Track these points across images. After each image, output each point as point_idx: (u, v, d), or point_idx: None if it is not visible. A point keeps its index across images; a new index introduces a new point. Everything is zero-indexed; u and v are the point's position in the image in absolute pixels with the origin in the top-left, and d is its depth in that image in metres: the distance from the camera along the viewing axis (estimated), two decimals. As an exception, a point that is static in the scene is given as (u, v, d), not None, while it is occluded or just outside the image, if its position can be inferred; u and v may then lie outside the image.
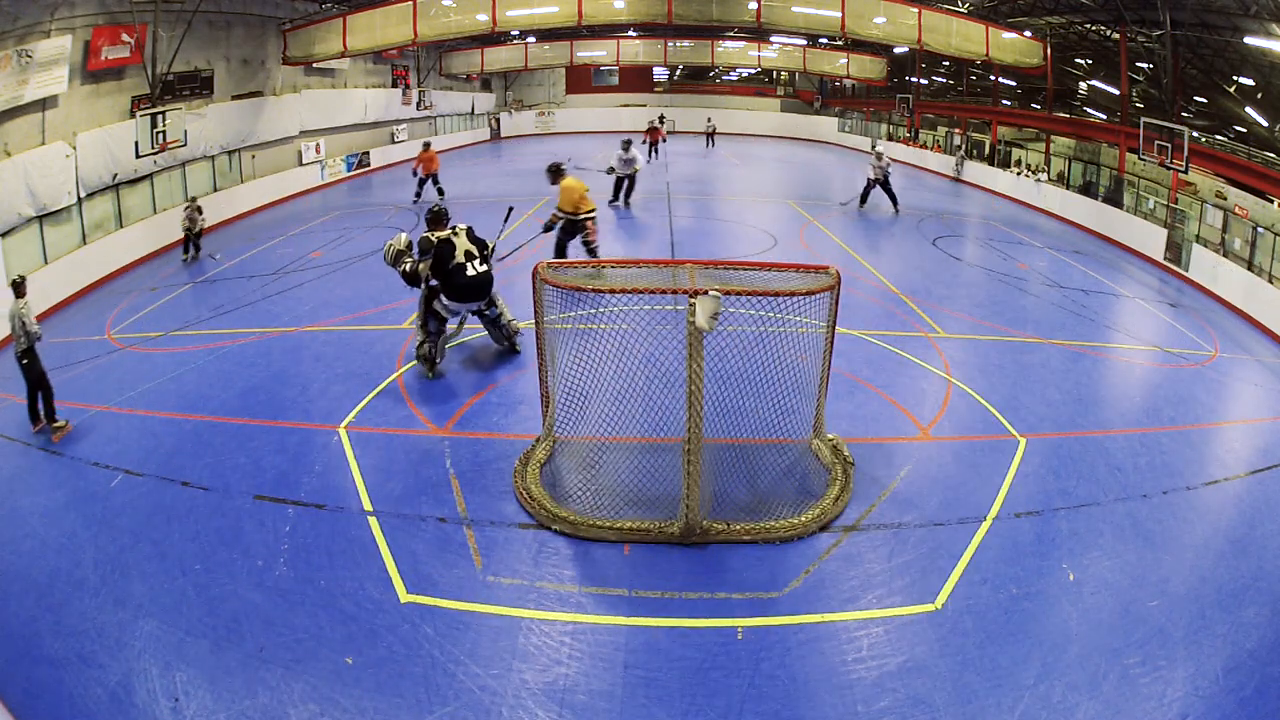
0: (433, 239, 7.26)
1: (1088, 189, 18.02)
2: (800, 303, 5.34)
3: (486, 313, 7.52)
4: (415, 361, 7.45)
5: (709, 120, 29.90)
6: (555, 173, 9.95)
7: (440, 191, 16.57)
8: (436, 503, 5.32)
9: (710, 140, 29.05)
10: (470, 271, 7.01)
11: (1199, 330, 10.07)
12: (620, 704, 3.73)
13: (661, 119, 26.49)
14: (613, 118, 33.79)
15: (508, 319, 7.70)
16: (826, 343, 5.65)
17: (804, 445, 5.86)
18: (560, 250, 9.92)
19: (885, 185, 16.47)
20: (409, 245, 7.53)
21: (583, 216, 9.79)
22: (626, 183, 15.87)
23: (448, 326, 7.52)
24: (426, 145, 17.41)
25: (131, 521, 5.18)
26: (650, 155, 22.64)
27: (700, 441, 4.74)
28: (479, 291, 7.17)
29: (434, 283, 7.12)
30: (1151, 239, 14.32)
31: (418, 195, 16.56)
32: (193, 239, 12.68)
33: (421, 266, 7.26)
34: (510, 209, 8.58)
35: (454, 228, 7.30)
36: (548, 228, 9.88)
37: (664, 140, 24.03)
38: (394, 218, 15.13)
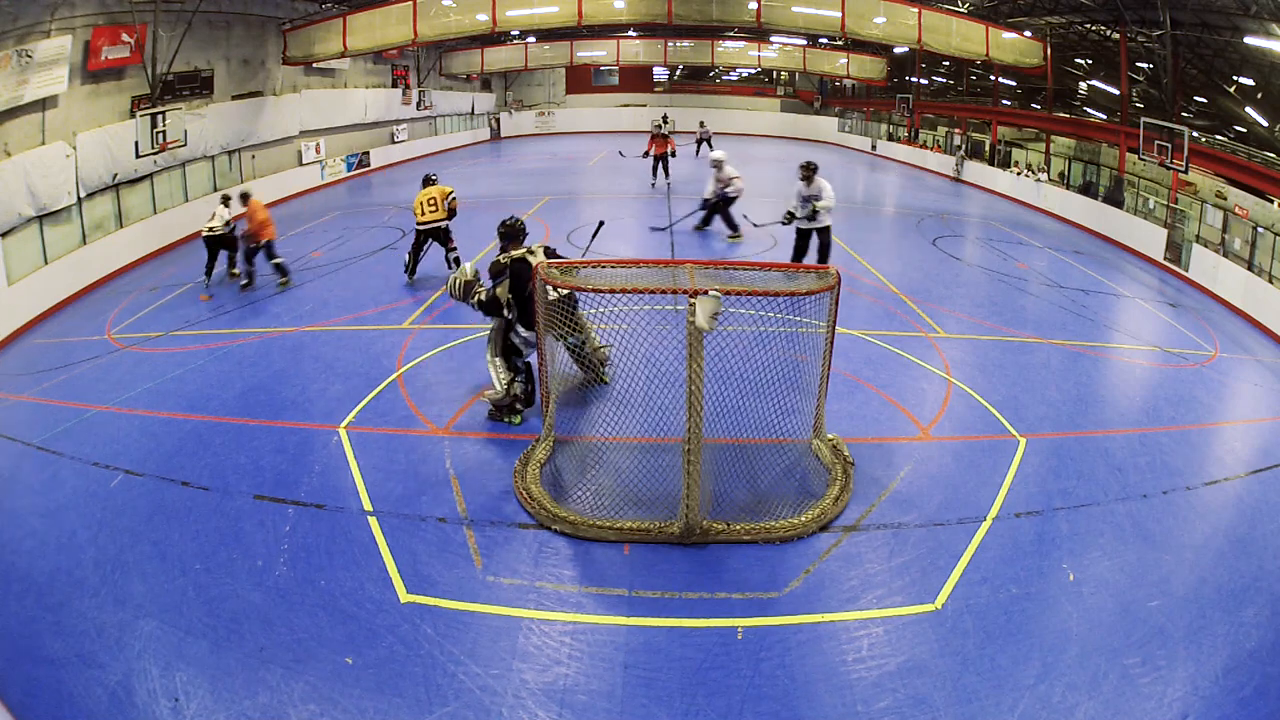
0: (504, 260, 6.37)
1: (1088, 189, 18.02)
2: (800, 303, 5.35)
3: (569, 340, 6.58)
4: (495, 411, 6.46)
5: (701, 124, 24.86)
6: (423, 182, 10.71)
7: (280, 270, 10.40)
8: (436, 503, 5.32)
9: (703, 146, 24.01)
10: (551, 295, 5.98)
11: (1199, 330, 10.07)
12: (620, 704, 3.73)
13: (665, 119, 25.08)
14: (613, 118, 33.85)
15: (594, 345, 6.75)
16: (826, 343, 5.65)
17: (804, 445, 5.85)
18: (414, 259, 10.46)
19: (723, 208, 12.37)
20: (477, 275, 6.57)
21: (425, 226, 10.33)
22: (816, 240, 10.14)
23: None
24: (245, 196, 10.47)
25: (131, 521, 5.18)
26: (655, 176, 17.88)
27: (700, 441, 4.74)
28: (562, 319, 6.27)
29: (510, 313, 6.35)
30: (1151, 239, 14.32)
31: (248, 276, 10.37)
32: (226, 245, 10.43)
33: (500, 290, 6.37)
34: (601, 223, 8.16)
35: (529, 247, 6.45)
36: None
37: (673, 154, 18.15)
38: (394, 218, 15.12)
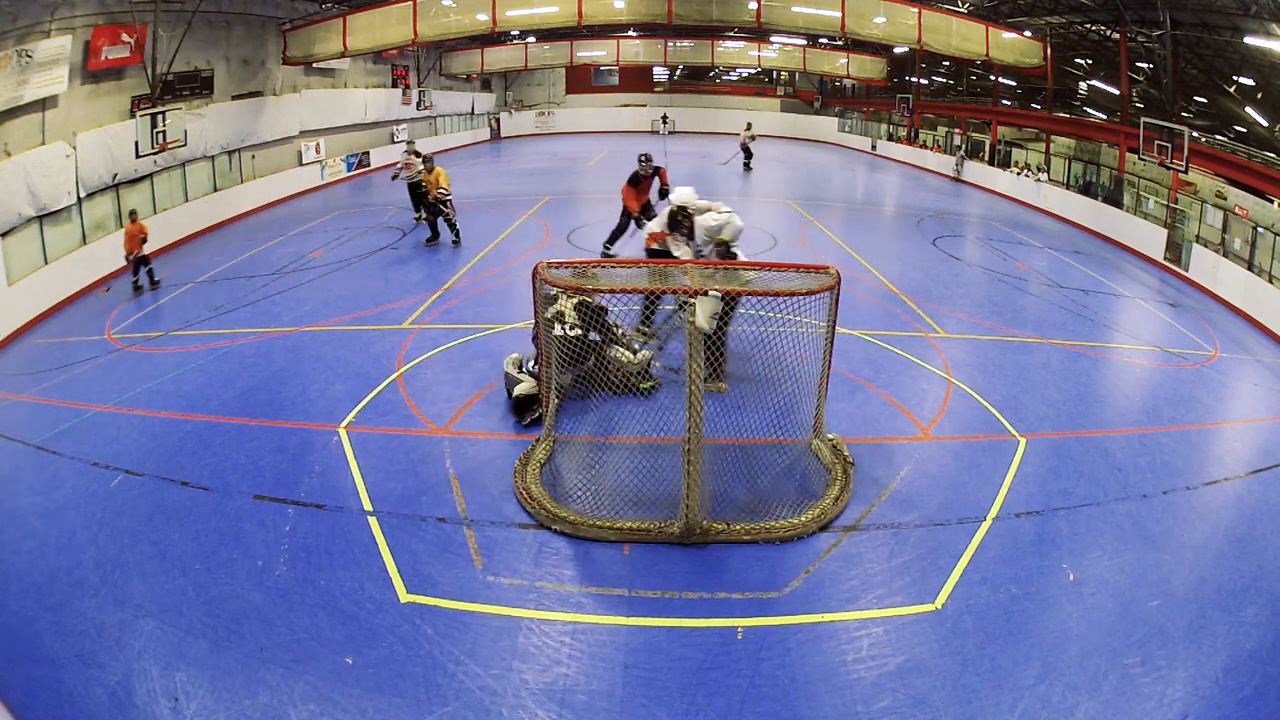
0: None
1: (1088, 189, 18.02)
2: (800, 303, 5.34)
3: (573, 371, 6.27)
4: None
5: (748, 126, 22.81)
6: (425, 159, 12.83)
7: (150, 280, 10.92)
8: (436, 503, 5.32)
9: (744, 156, 22.06)
10: (556, 330, 5.56)
11: (1199, 330, 10.07)
12: (620, 704, 3.73)
13: (665, 119, 24.13)
14: (613, 118, 33.84)
15: (636, 366, 6.41)
16: (827, 343, 5.65)
17: (804, 445, 5.85)
18: (434, 224, 12.63)
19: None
20: (520, 363, 6.46)
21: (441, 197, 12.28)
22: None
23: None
24: (133, 214, 10.83)
25: (131, 521, 5.18)
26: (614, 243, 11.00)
27: (700, 441, 4.74)
28: (567, 358, 5.88)
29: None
30: (1151, 239, 14.32)
31: (137, 283, 10.76)
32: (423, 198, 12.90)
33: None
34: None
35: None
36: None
37: (664, 194, 10.05)
38: (394, 217, 15.11)
